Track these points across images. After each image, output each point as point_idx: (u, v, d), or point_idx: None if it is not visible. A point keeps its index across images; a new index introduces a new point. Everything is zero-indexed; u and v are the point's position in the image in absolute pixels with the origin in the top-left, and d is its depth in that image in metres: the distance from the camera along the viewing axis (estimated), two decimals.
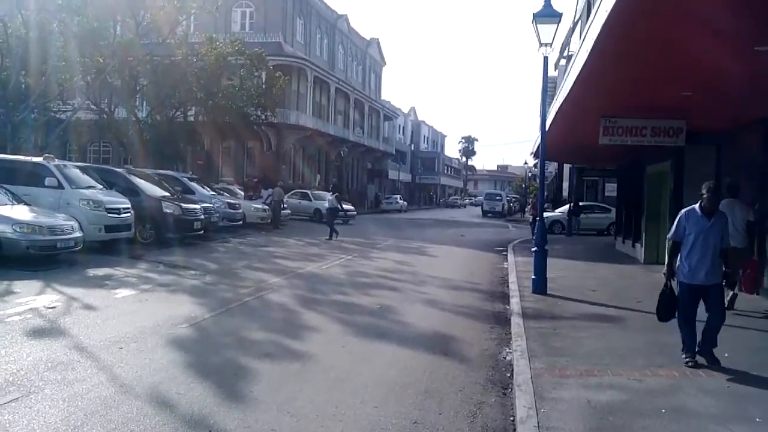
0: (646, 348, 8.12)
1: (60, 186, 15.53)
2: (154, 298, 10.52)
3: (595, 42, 7.93)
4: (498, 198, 60.90)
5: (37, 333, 7.87)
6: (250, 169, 43.83)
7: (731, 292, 10.46)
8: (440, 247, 23.15)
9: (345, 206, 32.44)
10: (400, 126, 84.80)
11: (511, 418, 5.78)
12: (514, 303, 11.08)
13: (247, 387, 6.26)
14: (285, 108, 41.33)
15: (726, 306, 10.04)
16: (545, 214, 36.27)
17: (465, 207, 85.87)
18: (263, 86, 31.27)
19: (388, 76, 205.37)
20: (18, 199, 14.19)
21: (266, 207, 27.74)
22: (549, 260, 12.54)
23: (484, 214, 56.64)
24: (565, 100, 12.81)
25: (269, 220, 27.39)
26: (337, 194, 25.36)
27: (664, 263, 14.51)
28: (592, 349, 7.96)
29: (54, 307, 9.28)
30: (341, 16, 61.38)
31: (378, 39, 73.70)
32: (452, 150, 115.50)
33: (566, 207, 34.15)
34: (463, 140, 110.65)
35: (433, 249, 22.01)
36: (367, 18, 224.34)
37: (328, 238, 23.02)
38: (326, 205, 26.01)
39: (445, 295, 12.40)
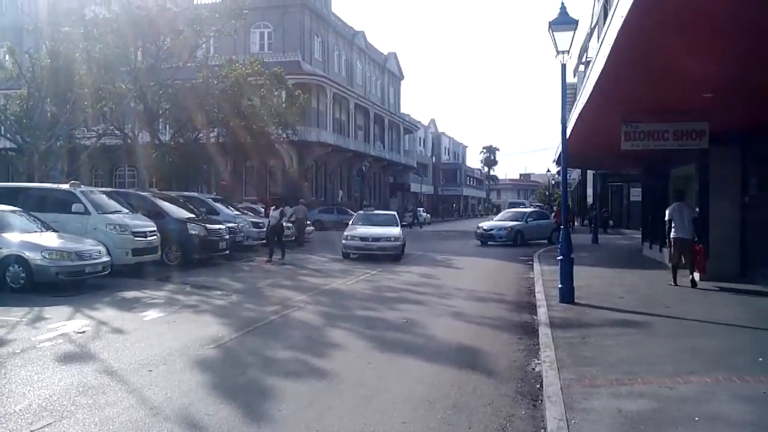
0: (676, 354, 7.99)
1: (87, 212, 15.78)
2: (181, 320, 10.61)
3: (612, 48, 7.91)
4: (522, 207, 60.65)
5: (68, 358, 7.97)
6: (273, 188, 44.14)
7: (690, 276, 13.66)
8: (465, 258, 23.06)
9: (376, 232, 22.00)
10: (420, 138, 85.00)
11: (542, 431, 5.72)
12: (542, 313, 10.98)
13: (275, 406, 6.28)
14: (305, 125, 41.61)
15: (691, 286, 13.49)
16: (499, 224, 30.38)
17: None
18: (283, 105, 31.52)
19: (407, 90, 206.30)
20: (46, 226, 14.43)
21: (290, 225, 27.88)
22: (575, 268, 12.43)
23: None
24: (584, 106, 12.75)
25: (293, 238, 27.51)
26: (282, 209, 21.34)
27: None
28: (621, 357, 7.85)
29: (84, 332, 9.39)
30: (358, 33, 61.81)
31: (395, 53, 74.17)
32: (474, 160, 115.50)
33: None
34: (485, 150, 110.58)
35: (457, 261, 21.94)
36: (384, 33, 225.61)
37: (268, 259, 20.14)
38: (272, 221, 20.99)
39: (471, 307, 12.34)
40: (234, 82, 28.64)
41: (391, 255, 21.17)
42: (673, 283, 13.82)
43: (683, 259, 13.84)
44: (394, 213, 26.90)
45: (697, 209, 14.83)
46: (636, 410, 5.91)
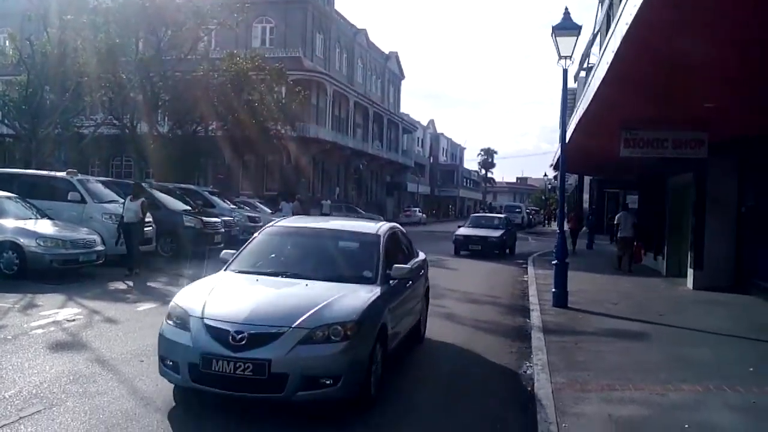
0: (668, 362, 8.01)
1: (83, 200, 15.72)
2: None
3: (615, 55, 7.92)
4: (518, 210, 60.60)
5: (60, 346, 7.94)
6: (270, 183, 44.07)
7: (629, 265, 18.60)
8: (459, 260, 23.04)
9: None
10: (419, 139, 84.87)
11: None
12: (535, 317, 11.00)
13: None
14: (304, 122, 41.56)
15: (629, 270, 18.36)
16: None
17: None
18: (283, 101, 31.48)
19: (407, 89, 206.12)
20: (42, 214, 14.36)
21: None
22: (569, 273, 12.43)
23: None
24: (585, 112, 12.77)
25: None
26: (143, 200, 15.25)
27: (686, 276, 14.53)
28: (614, 364, 7.88)
29: (76, 320, 9.36)
30: (360, 31, 61.72)
31: (397, 53, 73.98)
32: (471, 163, 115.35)
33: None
34: (482, 152, 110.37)
35: (451, 262, 21.91)
36: (387, 32, 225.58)
37: (128, 273, 14.37)
38: (127, 215, 14.93)
39: (464, 309, 12.34)
40: (234, 76, 28.60)
41: None
42: (618, 267, 18.71)
43: (626, 252, 18.82)
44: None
45: (693, 218, 15.10)
46: (626, 416, 5.93)
